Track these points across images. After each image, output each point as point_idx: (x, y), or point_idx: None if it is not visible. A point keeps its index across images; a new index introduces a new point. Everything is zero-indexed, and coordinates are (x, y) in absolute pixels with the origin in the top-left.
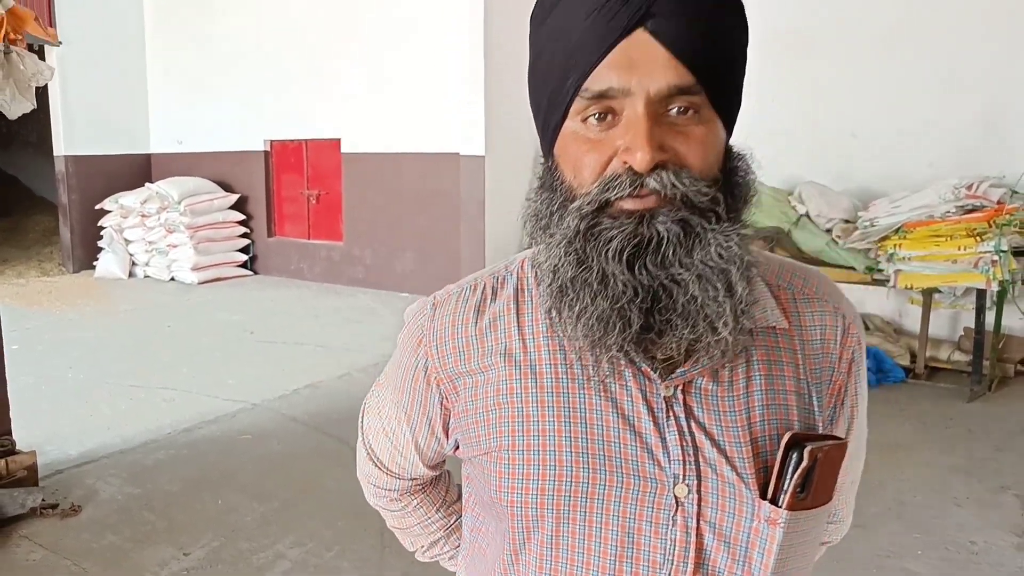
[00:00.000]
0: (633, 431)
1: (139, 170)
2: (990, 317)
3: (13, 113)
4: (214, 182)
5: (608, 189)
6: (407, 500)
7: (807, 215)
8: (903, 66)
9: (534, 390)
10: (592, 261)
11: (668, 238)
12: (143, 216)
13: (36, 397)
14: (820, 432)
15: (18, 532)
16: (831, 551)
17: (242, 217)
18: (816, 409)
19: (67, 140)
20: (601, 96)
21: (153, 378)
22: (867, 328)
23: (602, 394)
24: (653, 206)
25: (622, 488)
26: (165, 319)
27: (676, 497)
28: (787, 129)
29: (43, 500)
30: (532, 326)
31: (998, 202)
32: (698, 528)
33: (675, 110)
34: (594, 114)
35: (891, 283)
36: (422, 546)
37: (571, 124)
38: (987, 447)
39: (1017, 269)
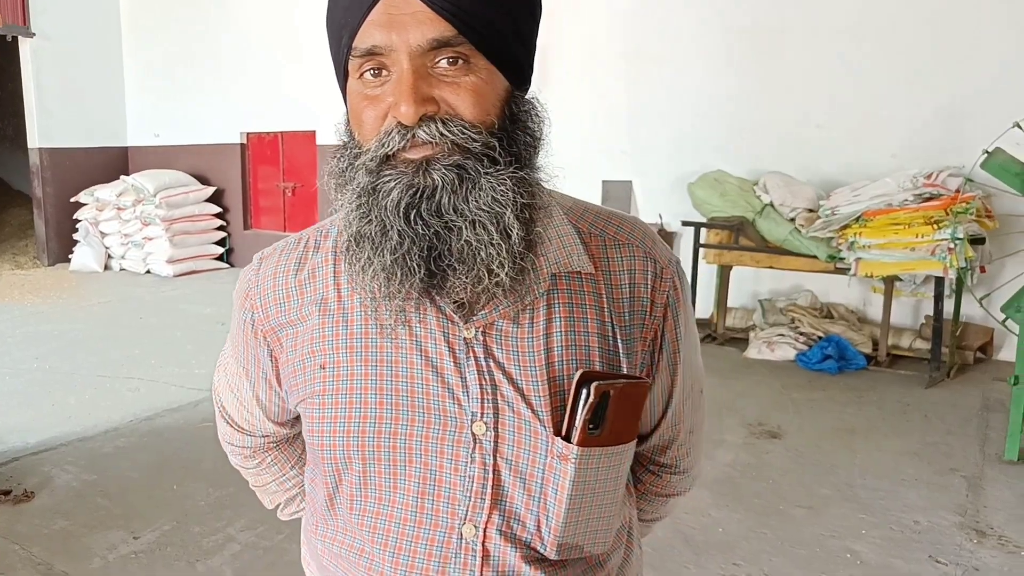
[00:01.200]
0: (436, 372)
1: (116, 163)
2: (949, 305)
3: None
4: (191, 175)
5: (384, 144)
6: (261, 457)
7: (771, 204)
8: (867, 58)
9: (344, 337)
10: (374, 214)
11: (443, 185)
12: (119, 209)
13: (1, 388)
14: (625, 373)
15: None
16: (776, 531)
17: (218, 210)
18: (621, 351)
19: (42, 133)
20: (370, 53)
21: (121, 369)
22: (831, 316)
23: (408, 338)
24: (430, 153)
25: (424, 427)
26: (138, 311)
27: (474, 434)
28: (753, 120)
29: None
30: (347, 276)
31: (956, 191)
32: (495, 464)
33: (444, 61)
34: (368, 70)
35: (852, 271)
36: (279, 504)
37: (353, 82)
38: (940, 431)
39: (974, 257)
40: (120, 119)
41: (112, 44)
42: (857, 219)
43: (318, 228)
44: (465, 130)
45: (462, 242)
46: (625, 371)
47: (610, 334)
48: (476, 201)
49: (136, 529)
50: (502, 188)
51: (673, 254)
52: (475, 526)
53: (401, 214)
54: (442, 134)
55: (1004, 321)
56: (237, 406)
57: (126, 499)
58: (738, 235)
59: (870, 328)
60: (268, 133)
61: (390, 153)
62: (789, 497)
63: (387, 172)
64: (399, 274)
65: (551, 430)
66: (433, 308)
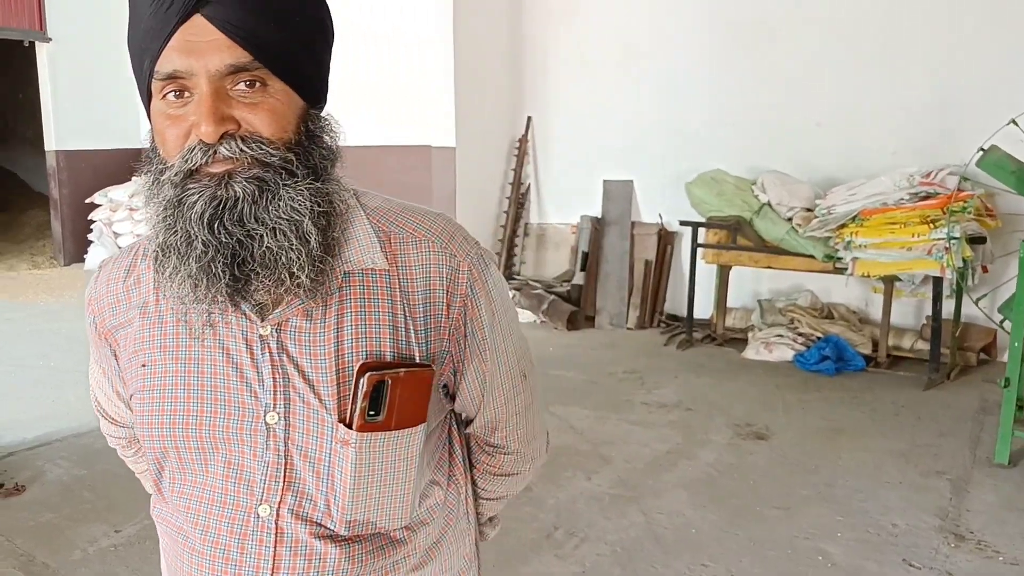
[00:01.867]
0: (235, 367)
1: (129, 164)
2: (950, 305)
3: None
4: None
5: (187, 160)
6: (136, 446)
7: (768, 204)
8: (867, 55)
9: (159, 337)
10: (179, 225)
11: (244, 196)
12: (131, 209)
13: (3, 384)
14: (412, 362)
15: None
16: (749, 531)
17: None
18: (414, 341)
19: (58, 135)
20: (171, 77)
21: None
22: (831, 317)
23: (212, 337)
24: (232, 168)
25: (225, 418)
26: None
27: (267, 424)
28: (751, 119)
29: None
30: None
31: (958, 190)
32: (287, 451)
33: (242, 84)
34: (170, 92)
35: (849, 271)
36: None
37: (156, 102)
38: (931, 433)
39: (972, 257)
40: (132, 121)
41: (124, 48)
42: (854, 218)
43: (148, 237)
44: (263, 146)
45: (264, 248)
46: (418, 361)
47: (402, 325)
48: (276, 210)
49: (118, 523)
50: (300, 198)
51: (477, 247)
52: (270, 506)
53: (205, 224)
54: (242, 150)
55: (1002, 322)
56: (106, 400)
57: (110, 493)
58: (736, 235)
59: (871, 329)
60: None
61: (193, 168)
62: (767, 498)
63: (191, 185)
64: (205, 281)
65: (335, 418)
66: (234, 309)
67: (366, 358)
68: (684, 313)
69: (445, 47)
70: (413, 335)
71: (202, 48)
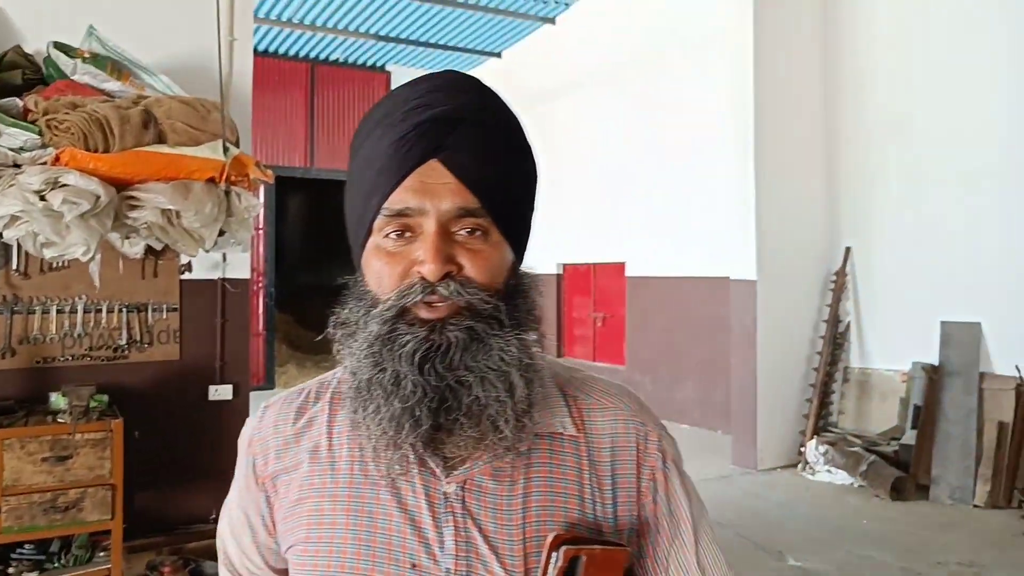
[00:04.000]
0: (414, 525)
1: None
2: None
3: (240, 240)
4: None
5: (404, 296)
6: None
7: None
8: None
9: (331, 485)
10: (387, 363)
11: (456, 343)
12: None
13: None
14: (605, 538)
15: None
16: None
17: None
18: (600, 515)
19: None
20: (399, 214)
21: None
22: None
23: (390, 490)
24: (444, 315)
25: None
26: None
27: None
28: None
29: None
30: (341, 426)
31: None
32: None
33: (464, 231)
34: (394, 230)
35: None
36: None
37: (374, 239)
38: None
39: None
40: None
41: None
42: None
43: (320, 380)
44: (479, 292)
45: (472, 397)
46: (605, 535)
47: (589, 497)
48: (486, 359)
49: None
50: (510, 348)
51: (660, 422)
52: None
53: (416, 364)
54: (460, 292)
55: None
56: (238, 552)
57: None
58: None
59: None
60: (582, 264)
61: (407, 306)
62: None
63: (402, 326)
64: (408, 423)
65: None
66: (416, 460)
67: (553, 527)
68: None
69: (744, 176)
70: (600, 508)
71: (436, 189)
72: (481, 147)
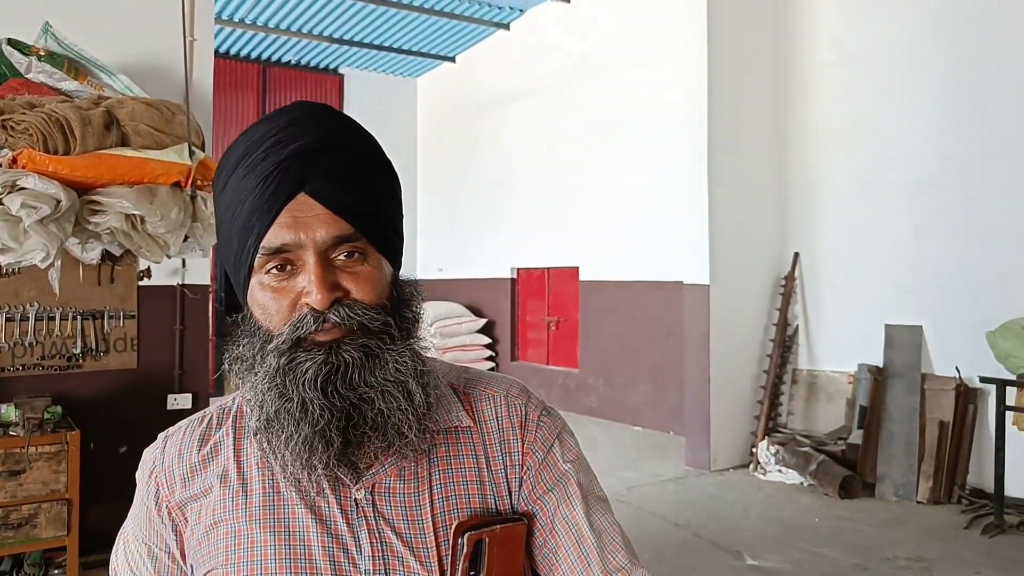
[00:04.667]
0: (331, 535)
1: None
2: None
3: (204, 245)
4: (465, 306)
5: (298, 328)
6: None
7: None
8: None
9: (244, 506)
10: (292, 392)
11: (353, 363)
12: None
13: None
14: (503, 516)
15: None
16: None
17: (488, 340)
18: (500, 494)
19: None
20: (278, 251)
21: None
22: None
23: (303, 505)
24: (338, 336)
25: None
26: None
27: None
28: None
29: None
30: (247, 449)
31: None
32: None
33: (343, 255)
34: (275, 266)
35: None
36: None
37: (257, 277)
38: None
39: None
40: (411, 254)
41: (408, 186)
42: None
43: (220, 406)
44: (367, 311)
45: (376, 410)
46: (503, 513)
47: (488, 480)
48: (383, 373)
49: None
50: (403, 360)
51: (542, 404)
52: None
53: (319, 389)
54: (350, 316)
55: None
56: None
57: None
58: None
59: None
60: (536, 268)
61: (302, 336)
62: None
63: (300, 354)
64: (320, 445)
65: None
66: (325, 473)
67: (457, 516)
68: (991, 488)
69: (699, 182)
70: (498, 487)
71: (308, 222)
72: (345, 174)
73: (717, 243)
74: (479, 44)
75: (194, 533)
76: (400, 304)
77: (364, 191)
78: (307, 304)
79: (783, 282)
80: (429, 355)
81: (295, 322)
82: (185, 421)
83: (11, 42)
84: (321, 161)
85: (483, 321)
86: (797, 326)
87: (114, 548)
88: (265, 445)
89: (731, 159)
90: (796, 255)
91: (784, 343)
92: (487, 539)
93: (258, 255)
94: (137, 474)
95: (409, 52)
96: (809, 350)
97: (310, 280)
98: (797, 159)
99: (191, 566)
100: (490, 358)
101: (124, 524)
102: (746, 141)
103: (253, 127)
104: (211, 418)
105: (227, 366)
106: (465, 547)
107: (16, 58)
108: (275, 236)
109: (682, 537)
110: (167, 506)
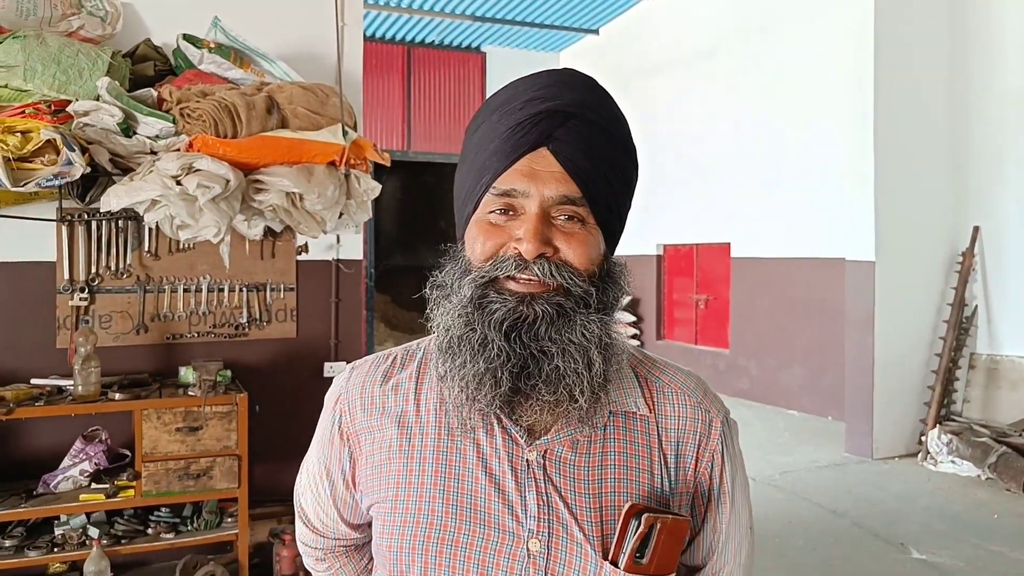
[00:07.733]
0: (497, 488)
1: None
2: None
3: (358, 221)
4: None
5: (498, 267)
6: (331, 561)
7: None
8: None
9: (418, 448)
10: (477, 325)
11: (543, 316)
12: None
13: None
14: (668, 509)
15: None
16: None
17: (633, 319)
18: (667, 490)
19: None
20: (506, 194)
21: None
22: None
23: (475, 455)
24: (534, 290)
25: (484, 539)
26: None
27: (529, 550)
28: None
29: None
30: (427, 394)
31: None
32: None
33: (563, 217)
34: (499, 208)
35: None
36: None
37: (480, 214)
38: None
39: None
40: None
41: None
42: None
43: (406, 348)
44: (572, 276)
45: (552, 366)
46: (671, 507)
47: (658, 472)
48: (569, 333)
49: None
50: (592, 327)
51: (724, 407)
52: None
53: (503, 332)
54: (551, 274)
55: None
56: (315, 506)
57: None
58: None
59: None
60: (684, 245)
61: (500, 276)
62: None
63: (492, 294)
64: (489, 383)
65: (599, 555)
66: (500, 429)
67: (627, 499)
68: None
69: (862, 151)
70: (667, 484)
71: (542, 175)
72: (588, 142)
73: (884, 216)
74: (623, 15)
75: (367, 463)
76: (606, 279)
77: (601, 162)
78: (515, 248)
79: (960, 258)
80: (618, 335)
81: (498, 260)
82: (371, 356)
83: (186, 37)
84: (570, 124)
85: (628, 299)
86: (976, 307)
87: (298, 473)
88: (440, 368)
89: (900, 122)
90: (976, 229)
91: (960, 325)
92: (659, 525)
93: (488, 194)
94: (326, 399)
95: (551, 27)
96: (990, 333)
97: (526, 229)
98: (977, 121)
99: (361, 494)
100: (635, 336)
101: (308, 450)
102: (917, 101)
103: (518, 80)
104: (396, 357)
105: (427, 291)
106: (642, 527)
107: (190, 52)
108: (507, 180)
109: (840, 525)
110: (347, 432)
